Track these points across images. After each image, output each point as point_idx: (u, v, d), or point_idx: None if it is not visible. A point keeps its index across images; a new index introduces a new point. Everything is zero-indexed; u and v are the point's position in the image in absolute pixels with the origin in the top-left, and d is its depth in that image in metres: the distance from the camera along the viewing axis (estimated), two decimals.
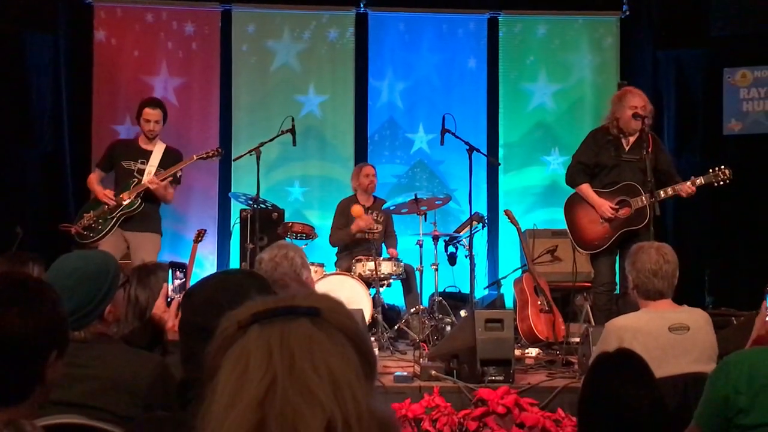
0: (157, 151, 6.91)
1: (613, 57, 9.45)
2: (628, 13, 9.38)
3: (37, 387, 1.96)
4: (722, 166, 6.17)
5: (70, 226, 6.86)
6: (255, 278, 2.14)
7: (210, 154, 7.02)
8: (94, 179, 7.01)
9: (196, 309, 2.04)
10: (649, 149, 6.10)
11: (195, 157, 6.91)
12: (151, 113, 6.92)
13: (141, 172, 6.85)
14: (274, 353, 1.13)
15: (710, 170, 6.18)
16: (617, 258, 6.46)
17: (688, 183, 6.18)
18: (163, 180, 6.75)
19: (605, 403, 2.48)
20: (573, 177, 6.60)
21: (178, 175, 6.93)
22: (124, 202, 6.75)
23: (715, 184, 6.19)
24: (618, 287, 6.47)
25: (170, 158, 6.95)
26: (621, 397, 2.45)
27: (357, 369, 1.16)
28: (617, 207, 6.34)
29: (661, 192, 6.19)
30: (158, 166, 6.85)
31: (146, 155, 6.90)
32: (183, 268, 3.14)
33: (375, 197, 8.08)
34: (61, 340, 2.03)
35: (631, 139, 6.42)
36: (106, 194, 6.78)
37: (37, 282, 2.11)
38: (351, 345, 1.18)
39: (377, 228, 7.83)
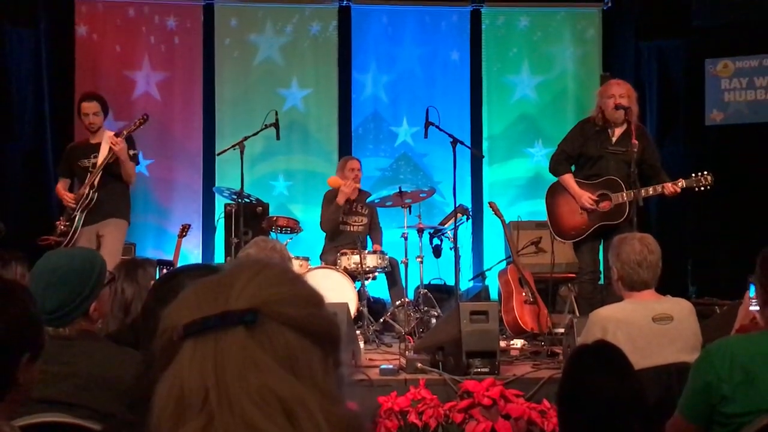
0: (105, 141, 6.73)
1: (596, 49, 9.47)
2: (609, 4, 9.40)
3: (10, 390, 1.93)
4: (705, 172, 6.22)
5: (49, 237, 6.82)
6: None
7: (138, 124, 6.74)
8: (61, 188, 6.93)
9: (158, 306, 1.97)
10: (633, 141, 6.12)
11: (125, 132, 6.66)
12: (87, 106, 6.83)
13: (95, 166, 6.74)
14: (209, 385, 1.02)
15: (692, 175, 6.23)
16: (600, 247, 6.50)
17: (672, 183, 6.22)
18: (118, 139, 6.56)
19: (584, 396, 2.48)
20: (556, 166, 6.64)
21: (131, 153, 6.74)
22: (81, 197, 6.66)
23: (696, 189, 6.24)
24: (602, 277, 6.52)
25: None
26: (599, 389, 2.46)
27: (311, 371, 1.06)
28: (597, 199, 6.38)
29: (647, 190, 6.23)
30: (108, 152, 6.67)
31: (96, 148, 6.77)
32: (170, 265, 3.14)
33: (360, 190, 8.07)
34: (33, 343, 1.99)
35: (618, 130, 6.44)
36: (67, 197, 6.74)
37: (6, 283, 2.08)
38: (301, 336, 1.06)
39: (359, 188, 7.80)
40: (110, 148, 6.59)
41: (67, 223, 6.74)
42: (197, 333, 1.05)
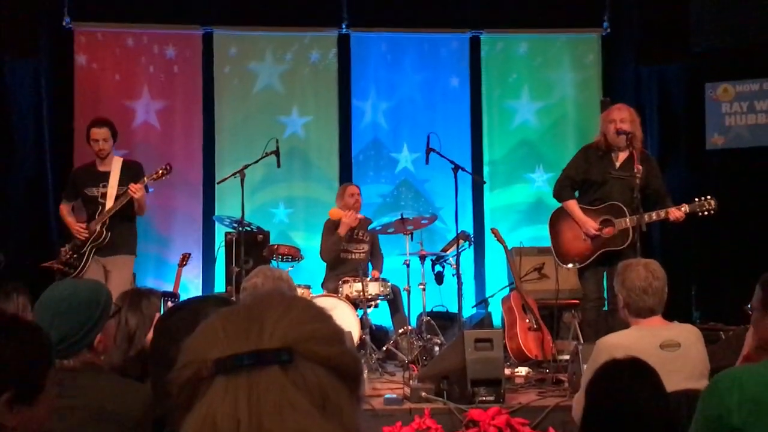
0: (115, 169, 6.83)
1: (595, 74, 9.49)
2: (609, 30, 9.42)
3: None
4: (708, 196, 6.21)
5: (52, 263, 6.84)
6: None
7: (160, 174, 6.82)
8: (65, 211, 6.99)
9: (172, 337, 1.96)
10: (637, 166, 6.11)
11: (146, 179, 6.74)
12: (97, 132, 6.86)
13: (104, 196, 6.80)
14: (242, 423, 1.01)
15: (696, 199, 6.22)
16: (605, 274, 6.47)
17: (675, 208, 6.21)
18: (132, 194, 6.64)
19: (615, 411, 2.43)
20: (560, 191, 6.63)
21: (145, 182, 6.78)
22: (94, 234, 6.73)
23: (700, 214, 6.23)
24: (606, 303, 6.48)
25: (130, 171, 6.88)
26: (633, 405, 2.41)
27: (339, 409, 1.06)
28: (601, 227, 6.36)
29: (651, 215, 6.21)
30: (119, 184, 6.77)
31: (105, 177, 6.83)
32: (175, 297, 3.11)
33: (361, 218, 8.05)
34: (14, 383, 1.92)
35: (621, 155, 6.44)
36: (78, 229, 6.78)
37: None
38: (332, 375, 1.06)
39: (362, 217, 7.78)
40: (128, 193, 6.63)
41: (75, 256, 6.78)
42: (230, 370, 1.04)
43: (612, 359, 2.80)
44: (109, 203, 6.74)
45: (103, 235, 6.73)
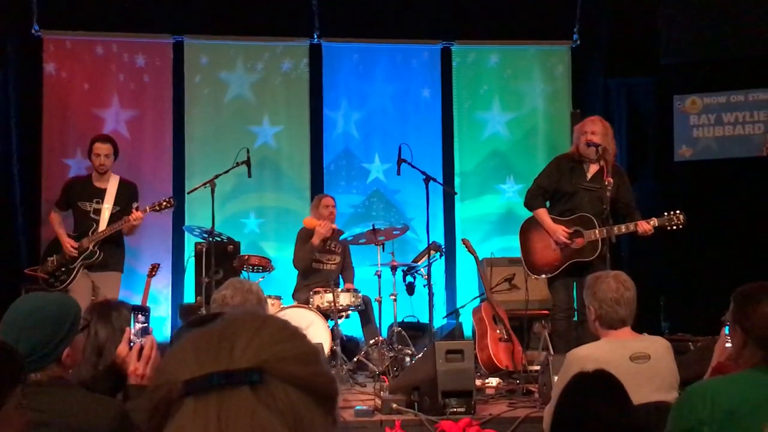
0: (111, 187, 6.95)
1: (565, 86, 9.55)
2: (578, 42, 9.49)
3: None
4: (677, 211, 6.27)
5: (36, 270, 6.85)
6: None
7: (163, 206, 6.93)
8: (56, 221, 7.06)
9: None
10: (607, 178, 6.16)
11: (148, 209, 6.85)
12: (101, 147, 6.96)
13: (97, 212, 6.90)
14: None
15: (665, 213, 6.28)
16: (574, 285, 6.51)
17: (644, 221, 6.26)
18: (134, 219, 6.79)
19: (582, 421, 2.43)
20: (531, 201, 6.67)
21: (134, 206, 6.93)
22: (86, 252, 6.82)
23: (668, 228, 6.28)
24: (576, 314, 6.51)
25: (126, 192, 7.02)
26: (599, 416, 2.41)
27: (316, 430, 1.04)
28: (571, 233, 6.40)
29: (620, 228, 6.25)
30: (114, 203, 6.91)
31: (101, 194, 6.94)
32: (144, 311, 3.08)
33: (335, 229, 8.03)
34: None
35: (593, 167, 6.48)
36: (69, 246, 6.82)
37: None
38: (305, 395, 1.04)
39: (335, 228, 7.76)
40: (129, 218, 6.75)
41: (63, 269, 6.84)
42: (199, 391, 1.01)
43: (580, 372, 2.81)
44: (103, 220, 6.87)
45: (96, 254, 6.84)
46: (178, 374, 1.04)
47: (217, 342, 1.06)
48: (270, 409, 1.01)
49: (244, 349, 1.04)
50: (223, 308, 3.59)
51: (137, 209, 6.84)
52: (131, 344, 3.01)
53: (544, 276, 6.62)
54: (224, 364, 1.02)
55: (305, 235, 7.72)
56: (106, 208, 6.90)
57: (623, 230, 6.29)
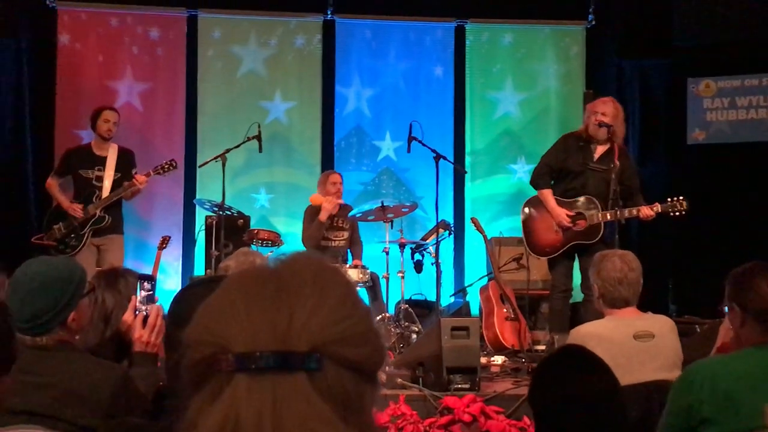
0: (111, 155, 7.16)
1: (579, 66, 9.50)
2: (593, 22, 9.43)
3: None
4: (680, 197, 6.25)
5: (46, 240, 6.97)
6: None
7: (166, 168, 7.18)
8: (54, 186, 7.20)
9: (184, 321, 1.94)
10: (616, 161, 6.14)
11: (152, 173, 7.12)
12: (111, 114, 7.26)
13: (99, 179, 7.09)
14: (265, 429, 0.96)
15: (668, 199, 6.27)
16: (575, 266, 6.53)
17: (648, 207, 6.25)
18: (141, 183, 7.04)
19: (556, 395, 2.42)
20: (537, 179, 6.65)
21: (134, 172, 7.19)
22: (94, 217, 7.02)
23: (671, 214, 6.27)
24: (582, 293, 6.52)
25: (125, 159, 7.26)
26: (570, 385, 2.39)
27: (360, 410, 1.01)
28: (574, 216, 6.39)
29: (622, 212, 6.24)
30: (115, 170, 7.11)
31: (101, 161, 7.13)
32: (151, 280, 3.10)
33: (342, 204, 8.04)
34: (2, 358, 1.97)
35: (601, 148, 6.46)
36: (73, 208, 7.01)
37: None
38: (357, 377, 1.01)
39: (341, 202, 7.77)
40: (132, 182, 7.02)
41: (72, 236, 7.02)
42: (254, 371, 0.98)
43: (562, 346, 2.82)
44: (105, 187, 7.06)
45: (106, 219, 7.05)
46: (228, 338, 1.00)
47: (274, 307, 1.01)
48: (324, 397, 0.98)
49: (303, 326, 1.00)
50: None
51: (136, 174, 7.09)
52: (136, 312, 3.04)
53: (543, 257, 6.64)
54: (281, 341, 0.99)
55: (313, 212, 7.73)
56: (109, 175, 7.09)
57: (627, 215, 6.28)
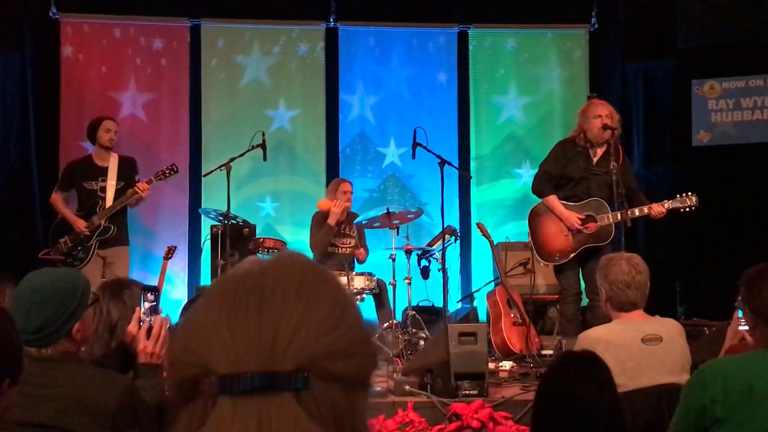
0: (112, 165, 7.18)
1: (583, 70, 9.49)
2: (596, 26, 9.42)
3: None
4: (689, 192, 6.23)
5: (49, 253, 7.00)
6: None
7: (167, 173, 7.18)
8: (59, 200, 7.22)
9: None
10: (613, 162, 6.13)
11: (153, 179, 7.11)
12: (111, 123, 7.29)
13: (103, 189, 7.10)
14: None
15: (677, 195, 6.25)
16: (581, 269, 6.51)
17: (658, 204, 6.23)
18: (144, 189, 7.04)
19: (563, 401, 2.43)
20: (540, 187, 6.63)
21: (136, 179, 7.21)
22: (99, 228, 7.01)
23: (682, 210, 6.26)
24: (588, 298, 6.50)
25: (126, 167, 7.26)
26: (581, 396, 2.41)
27: (352, 422, 0.97)
28: (584, 218, 6.38)
29: (633, 211, 6.22)
30: (117, 179, 7.13)
31: (104, 172, 7.14)
32: (154, 291, 3.10)
33: (348, 212, 8.03)
34: (13, 368, 1.98)
35: (599, 151, 6.45)
36: (79, 225, 6.99)
37: None
38: (347, 390, 0.97)
39: (349, 207, 7.75)
40: (134, 190, 7.02)
41: (79, 248, 7.03)
42: (238, 393, 0.93)
43: (566, 352, 2.81)
44: (109, 197, 7.07)
45: (111, 230, 7.05)
46: (211, 358, 0.95)
47: (257, 324, 0.96)
48: (312, 417, 0.94)
49: (289, 342, 0.94)
50: None
51: (139, 181, 7.10)
52: (141, 323, 3.03)
53: (553, 263, 6.61)
54: (265, 359, 0.94)
55: (320, 218, 7.71)
56: (111, 184, 7.10)
57: (637, 213, 6.26)
